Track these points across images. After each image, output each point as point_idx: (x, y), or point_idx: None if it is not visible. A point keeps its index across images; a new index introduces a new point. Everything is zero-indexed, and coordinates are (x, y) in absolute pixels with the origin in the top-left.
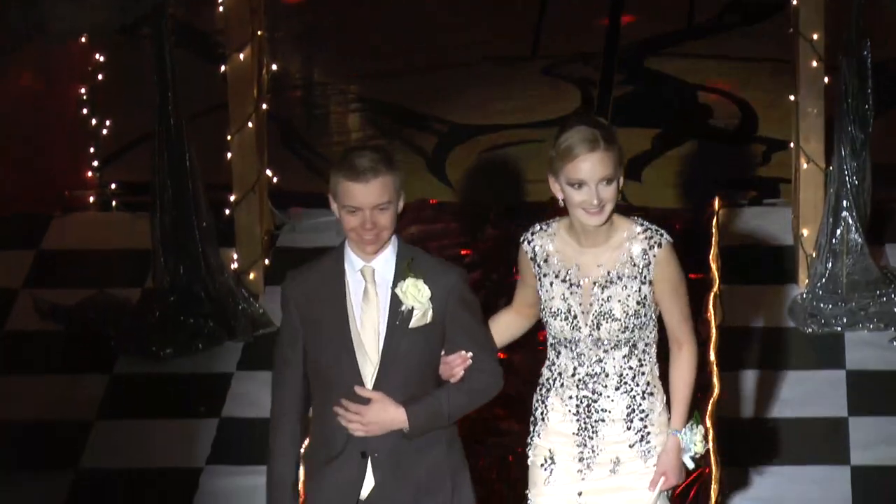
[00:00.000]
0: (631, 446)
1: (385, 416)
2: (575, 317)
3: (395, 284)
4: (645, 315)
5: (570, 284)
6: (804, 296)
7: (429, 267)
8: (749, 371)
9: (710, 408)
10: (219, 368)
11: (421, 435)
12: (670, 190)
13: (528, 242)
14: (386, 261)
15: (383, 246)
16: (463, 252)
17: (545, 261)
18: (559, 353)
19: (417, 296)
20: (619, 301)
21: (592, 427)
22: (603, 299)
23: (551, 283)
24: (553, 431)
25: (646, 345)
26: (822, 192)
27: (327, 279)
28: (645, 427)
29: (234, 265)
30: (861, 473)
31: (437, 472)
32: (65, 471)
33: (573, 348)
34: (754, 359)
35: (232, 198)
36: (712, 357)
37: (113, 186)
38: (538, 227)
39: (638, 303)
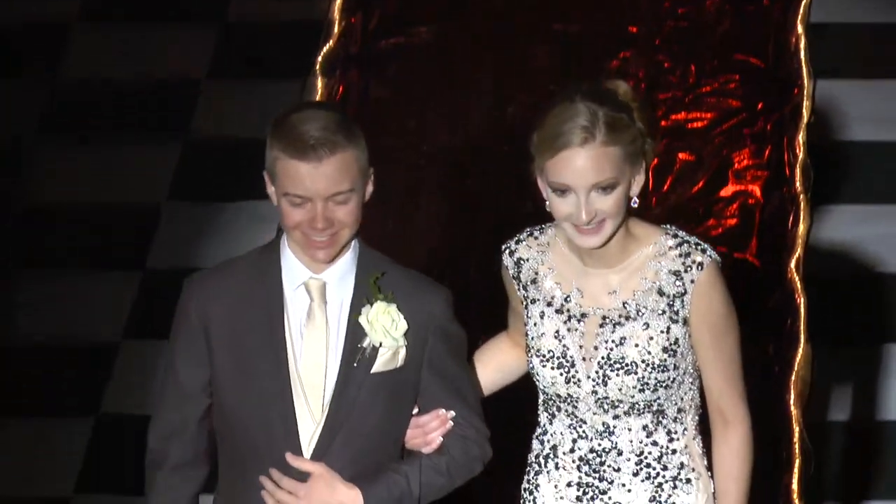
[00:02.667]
0: None
1: (332, 498)
2: (572, 364)
3: (354, 308)
4: (676, 368)
5: (569, 317)
6: None
7: (401, 285)
8: None
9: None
10: None
11: None
12: None
13: (511, 254)
14: (342, 272)
15: (341, 251)
16: None
17: (532, 281)
18: (552, 416)
19: (390, 328)
20: (638, 346)
21: None
22: (614, 342)
23: (541, 314)
24: None
25: (679, 411)
26: None
27: (255, 291)
28: None
29: None
30: None
31: None
32: (42, 76)
33: (571, 411)
34: None
35: None
36: None
37: None
38: (526, 233)
39: (665, 349)
